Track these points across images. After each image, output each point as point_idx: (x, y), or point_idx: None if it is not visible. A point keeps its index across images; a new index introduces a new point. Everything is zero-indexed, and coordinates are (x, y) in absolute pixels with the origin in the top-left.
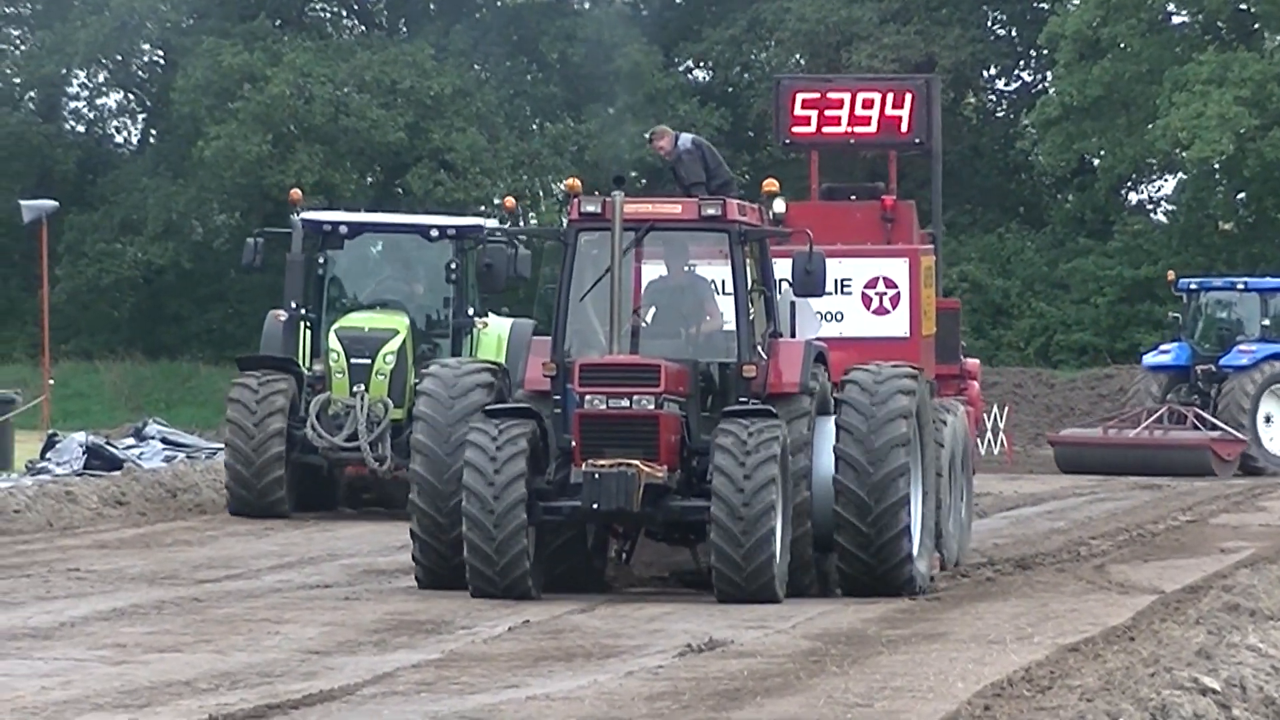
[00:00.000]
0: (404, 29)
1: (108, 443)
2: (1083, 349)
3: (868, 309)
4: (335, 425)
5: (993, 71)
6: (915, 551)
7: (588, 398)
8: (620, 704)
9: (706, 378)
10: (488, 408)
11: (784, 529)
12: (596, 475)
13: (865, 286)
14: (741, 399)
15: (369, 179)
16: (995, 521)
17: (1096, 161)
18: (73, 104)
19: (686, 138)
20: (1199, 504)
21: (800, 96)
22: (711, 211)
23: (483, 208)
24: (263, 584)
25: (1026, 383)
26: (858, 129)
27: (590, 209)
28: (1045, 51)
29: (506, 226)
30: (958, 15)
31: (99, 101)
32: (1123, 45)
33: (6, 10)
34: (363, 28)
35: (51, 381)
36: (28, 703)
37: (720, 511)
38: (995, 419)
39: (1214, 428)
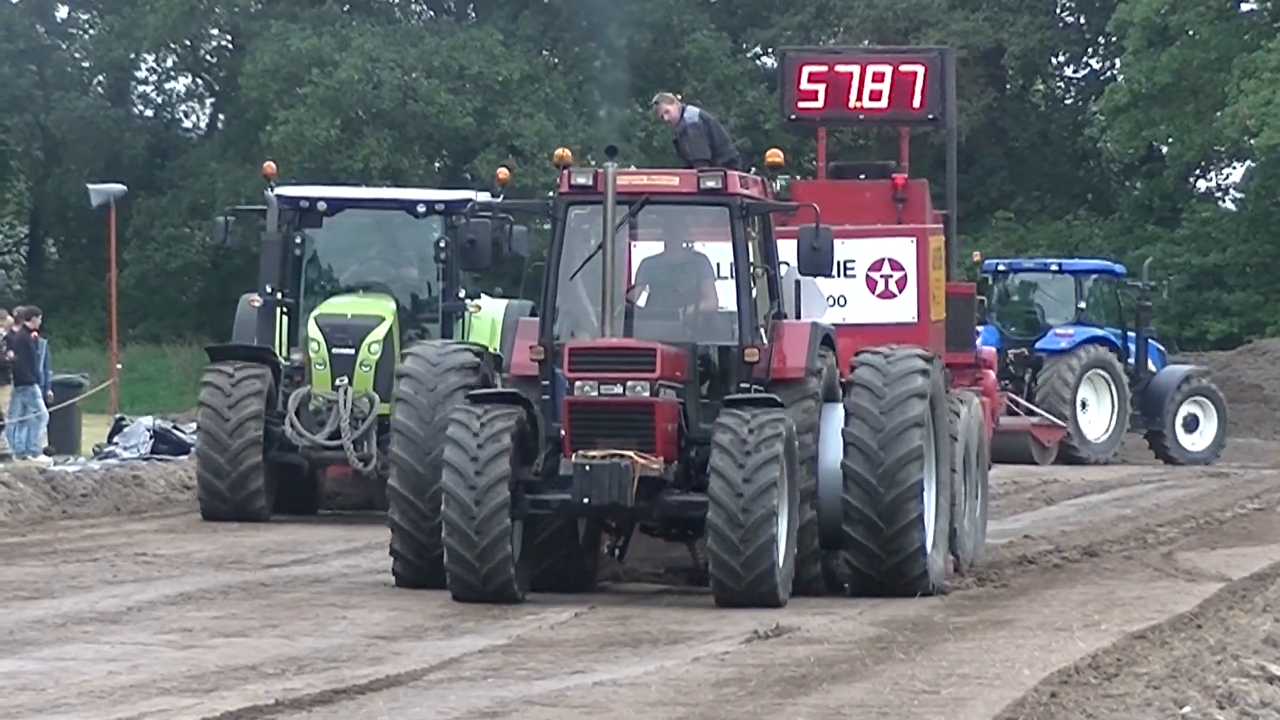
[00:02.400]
0: (473, 14)
1: (175, 427)
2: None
3: (872, 292)
4: (316, 422)
5: (1061, 58)
6: (929, 546)
7: (578, 384)
8: (687, 690)
9: (705, 362)
10: (471, 393)
11: (788, 531)
12: (588, 467)
13: (870, 269)
14: (743, 385)
15: (437, 164)
16: (1063, 509)
17: (1165, 149)
18: (141, 88)
19: (694, 111)
20: (1266, 492)
21: (807, 70)
22: (711, 184)
23: (550, 194)
24: (330, 569)
25: None
26: (868, 104)
27: (581, 181)
28: (1114, 39)
29: (501, 200)
30: (1026, 2)
31: (168, 86)
32: (1191, 33)
33: None
34: (431, 13)
35: (119, 365)
36: (95, 687)
37: (718, 517)
38: None
39: (1030, 413)
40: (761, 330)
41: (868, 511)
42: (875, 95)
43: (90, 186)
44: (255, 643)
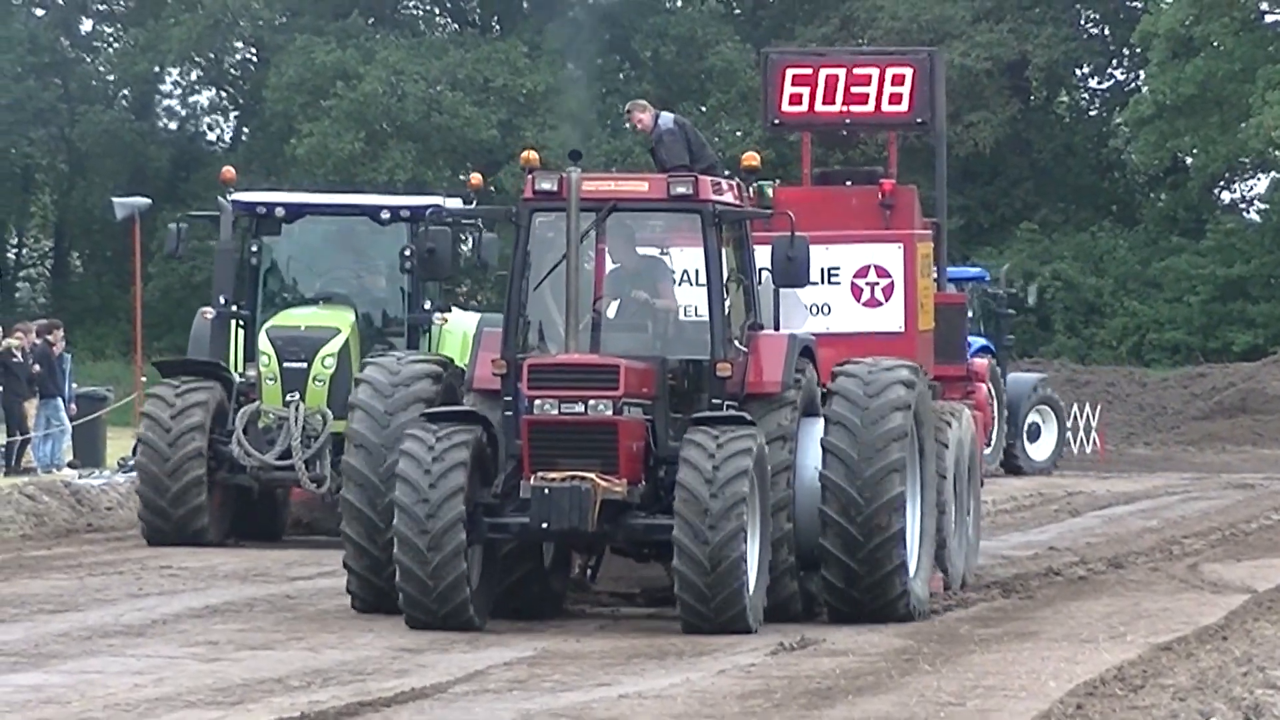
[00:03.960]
0: (497, 27)
1: None
2: (1175, 348)
3: (858, 301)
4: (266, 440)
5: (1086, 70)
6: (911, 565)
7: (537, 402)
8: (712, 702)
9: (676, 376)
10: (427, 411)
11: (759, 561)
12: (547, 490)
13: (855, 276)
14: (715, 400)
15: (461, 176)
16: (1088, 520)
17: (1189, 160)
18: (166, 101)
19: (668, 117)
20: None
21: (791, 73)
22: (682, 190)
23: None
24: None
25: (1119, 381)
26: (854, 108)
27: (545, 186)
28: (1138, 50)
29: (473, 207)
30: (1050, 14)
31: (192, 99)
32: (1216, 44)
33: (100, 8)
34: (455, 25)
35: (144, 379)
36: (120, 700)
37: (684, 564)
38: (1088, 418)
39: None
40: (736, 342)
41: (845, 524)
42: (861, 99)
43: (115, 200)
44: (280, 655)
